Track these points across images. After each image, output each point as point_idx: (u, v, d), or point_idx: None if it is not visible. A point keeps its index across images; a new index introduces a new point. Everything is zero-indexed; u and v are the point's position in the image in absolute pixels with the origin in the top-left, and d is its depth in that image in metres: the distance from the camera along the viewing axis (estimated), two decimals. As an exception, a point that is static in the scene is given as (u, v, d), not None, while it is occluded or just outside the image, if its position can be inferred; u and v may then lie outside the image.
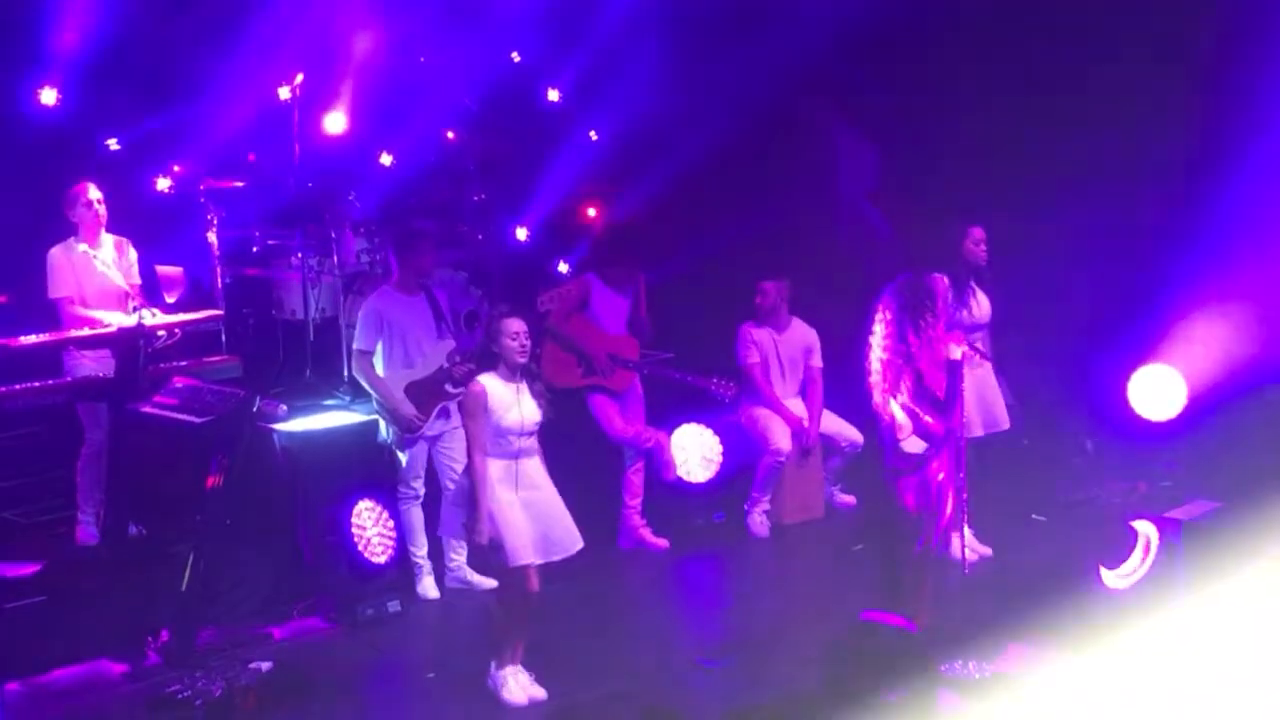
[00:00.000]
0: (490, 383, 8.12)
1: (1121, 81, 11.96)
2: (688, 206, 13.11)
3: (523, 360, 8.16)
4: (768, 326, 11.35)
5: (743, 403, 11.27)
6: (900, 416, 8.36)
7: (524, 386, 8.18)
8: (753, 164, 13.48)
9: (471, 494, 8.08)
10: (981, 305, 10.08)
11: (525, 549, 8.08)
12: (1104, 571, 8.59)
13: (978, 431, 9.78)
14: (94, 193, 9.90)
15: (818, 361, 11.41)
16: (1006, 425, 10.18)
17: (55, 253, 9.89)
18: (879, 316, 8.47)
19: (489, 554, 8.10)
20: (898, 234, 13.37)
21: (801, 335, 11.43)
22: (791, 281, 11.47)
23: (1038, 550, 10.26)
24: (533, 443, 8.21)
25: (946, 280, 8.95)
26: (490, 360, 8.22)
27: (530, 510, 8.13)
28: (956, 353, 8.33)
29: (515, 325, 8.15)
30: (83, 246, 9.85)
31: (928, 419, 8.31)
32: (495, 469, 8.09)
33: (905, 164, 13.47)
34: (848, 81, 13.68)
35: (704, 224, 13.01)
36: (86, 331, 9.63)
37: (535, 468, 8.23)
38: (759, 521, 11.22)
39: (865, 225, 13.87)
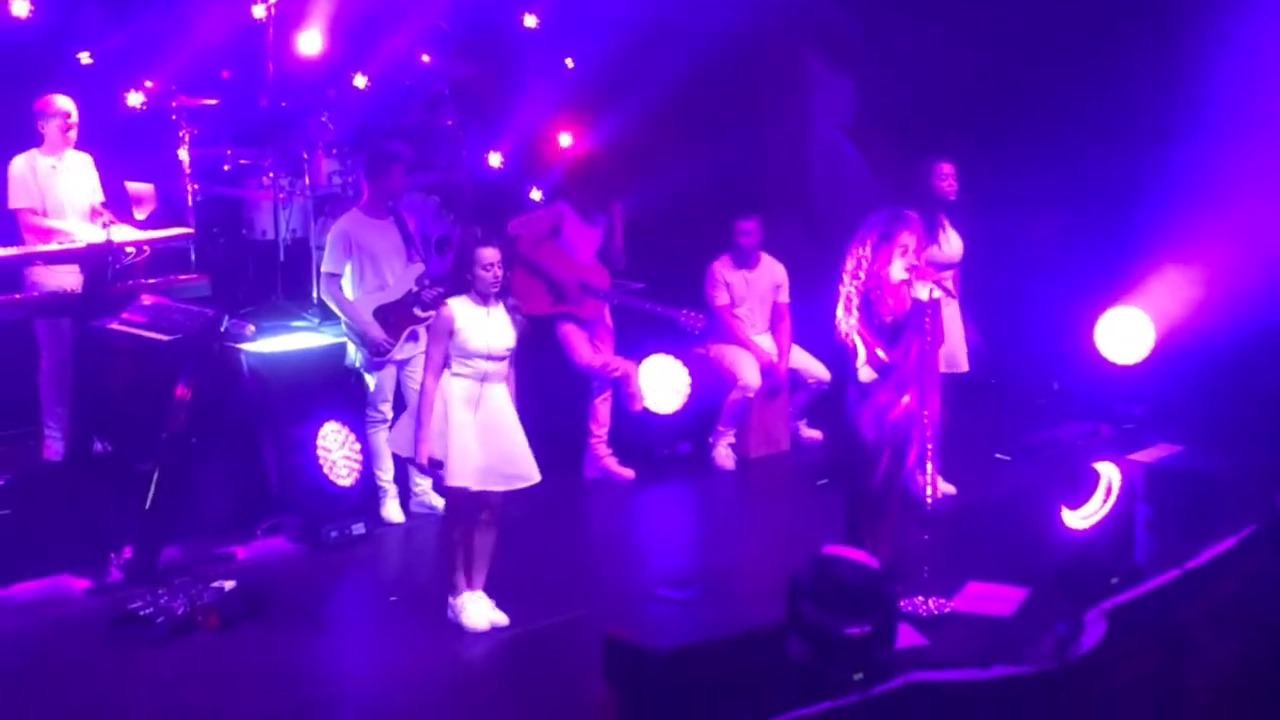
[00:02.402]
0: (460, 306, 8.11)
1: (1101, 22, 11.93)
2: (661, 137, 13.05)
3: (495, 290, 8.14)
4: (739, 265, 11.34)
5: (711, 337, 11.27)
6: (859, 346, 8.36)
7: (495, 311, 8.16)
8: (727, 96, 13.42)
9: (417, 414, 8.12)
10: (951, 243, 10.06)
11: (464, 473, 8.06)
12: (1065, 512, 8.62)
13: (944, 368, 9.76)
14: (64, 104, 9.81)
15: (785, 298, 11.41)
16: (964, 368, 10.18)
17: (17, 163, 9.82)
18: (852, 250, 8.45)
19: (431, 473, 8.12)
20: (872, 169, 13.35)
21: (770, 272, 11.42)
22: (763, 217, 11.46)
23: (1000, 489, 10.33)
24: (501, 369, 8.19)
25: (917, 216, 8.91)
26: (462, 284, 8.21)
27: (484, 436, 8.11)
28: (923, 292, 8.31)
29: (489, 255, 8.10)
30: (49, 159, 9.79)
31: (880, 352, 8.30)
32: (459, 388, 8.08)
33: (881, 99, 13.43)
34: (823, 14, 13.61)
35: (678, 155, 12.94)
36: (55, 246, 9.58)
37: (500, 395, 8.21)
38: (724, 454, 11.24)
39: (839, 159, 13.83)
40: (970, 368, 10.26)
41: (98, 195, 9.98)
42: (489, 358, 8.10)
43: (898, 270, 8.33)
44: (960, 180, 10.09)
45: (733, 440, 11.28)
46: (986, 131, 12.17)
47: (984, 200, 10.66)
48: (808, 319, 10.90)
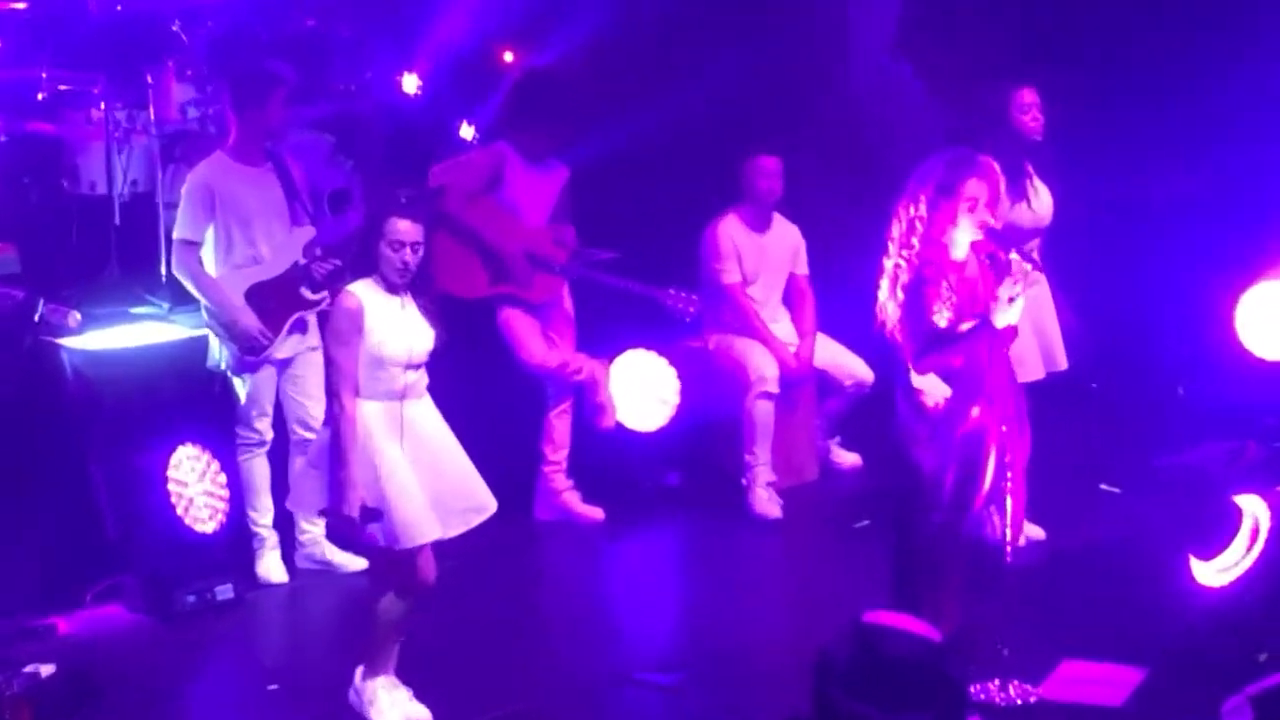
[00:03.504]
0: (367, 294, 7.98)
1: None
2: (644, 57, 13.07)
3: (400, 281, 7.98)
4: (752, 225, 11.28)
5: (711, 326, 11.23)
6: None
7: (408, 303, 8.07)
8: (733, 6, 13.43)
9: (335, 450, 7.95)
10: (1040, 199, 9.99)
11: (419, 524, 7.96)
12: (1195, 563, 8.61)
13: (1035, 374, 9.73)
14: None
15: (804, 268, 11.43)
16: (1063, 366, 10.17)
17: None
18: (900, 210, 8.41)
19: (358, 531, 7.96)
20: (930, 99, 13.37)
21: (785, 235, 11.45)
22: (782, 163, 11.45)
23: (1107, 532, 10.39)
24: (421, 380, 8.14)
25: (996, 166, 8.83)
26: (364, 265, 8.09)
27: (422, 470, 8.04)
28: (1010, 315, 8.18)
29: (403, 229, 7.92)
30: None
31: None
32: (374, 415, 7.99)
33: (938, 7, 13.47)
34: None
35: (664, 80, 12.96)
36: None
37: (426, 411, 8.17)
38: (764, 497, 11.07)
39: (885, 89, 13.87)
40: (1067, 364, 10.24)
41: None
42: (409, 366, 8.03)
43: (964, 234, 8.28)
44: (1047, 115, 10.04)
45: (771, 477, 11.09)
46: (1086, 48, 12.18)
47: (1077, 144, 10.66)
48: (843, 303, 10.84)
